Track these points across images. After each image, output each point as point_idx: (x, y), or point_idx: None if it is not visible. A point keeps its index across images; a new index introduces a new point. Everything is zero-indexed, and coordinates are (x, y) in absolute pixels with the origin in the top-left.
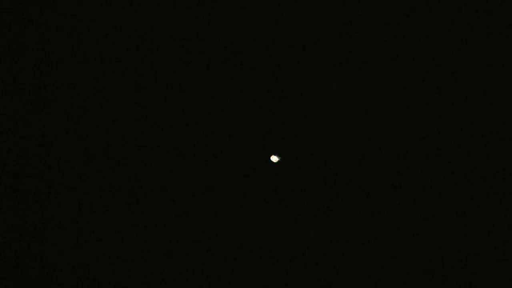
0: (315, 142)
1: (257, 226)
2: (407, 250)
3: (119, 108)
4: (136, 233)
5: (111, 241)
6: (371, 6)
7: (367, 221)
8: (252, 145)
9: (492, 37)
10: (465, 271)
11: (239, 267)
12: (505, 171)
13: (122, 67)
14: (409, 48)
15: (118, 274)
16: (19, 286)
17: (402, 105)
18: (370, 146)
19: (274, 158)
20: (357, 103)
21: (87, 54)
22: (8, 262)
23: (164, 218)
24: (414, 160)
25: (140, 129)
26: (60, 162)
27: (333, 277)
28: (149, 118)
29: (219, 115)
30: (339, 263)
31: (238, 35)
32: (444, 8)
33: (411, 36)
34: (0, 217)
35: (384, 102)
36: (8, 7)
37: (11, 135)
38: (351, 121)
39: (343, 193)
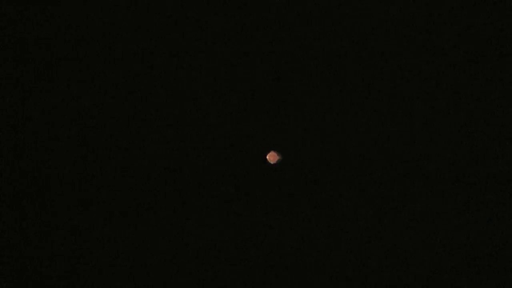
0: (314, 141)
1: (256, 227)
2: (408, 251)
3: (117, 107)
4: (132, 234)
5: (108, 243)
6: (371, 6)
7: (368, 222)
8: (250, 145)
9: (492, 37)
10: (465, 272)
11: (237, 270)
12: (505, 171)
13: (121, 66)
14: (410, 48)
15: (117, 274)
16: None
17: (404, 104)
18: (371, 146)
19: (272, 158)
20: (358, 103)
21: (88, 54)
22: (8, 263)
23: (160, 219)
24: (416, 160)
25: (137, 129)
26: (60, 162)
27: (333, 278)
28: (146, 118)
29: (217, 115)
30: (340, 265)
31: (235, 34)
32: (443, 8)
33: (411, 36)
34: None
35: (386, 102)
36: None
37: (11, 135)
38: (351, 121)
39: (342, 194)
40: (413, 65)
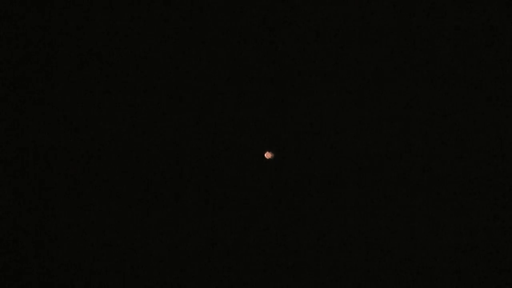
0: (312, 140)
1: (254, 226)
2: (407, 251)
3: (117, 107)
4: (131, 234)
5: (108, 243)
6: (371, 8)
7: (365, 221)
8: (248, 143)
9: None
10: (463, 272)
11: (235, 268)
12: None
13: (121, 66)
14: (408, 48)
15: (116, 274)
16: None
17: (396, 103)
18: (368, 145)
19: (269, 155)
20: (355, 102)
21: (88, 54)
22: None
23: (158, 218)
24: (413, 160)
25: (134, 129)
26: (60, 163)
27: (330, 277)
28: (144, 117)
29: (215, 114)
30: (337, 264)
31: (234, 33)
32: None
33: (410, 36)
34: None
35: (384, 101)
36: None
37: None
38: (348, 119)
39: (340, 192)
40: (407, 63)
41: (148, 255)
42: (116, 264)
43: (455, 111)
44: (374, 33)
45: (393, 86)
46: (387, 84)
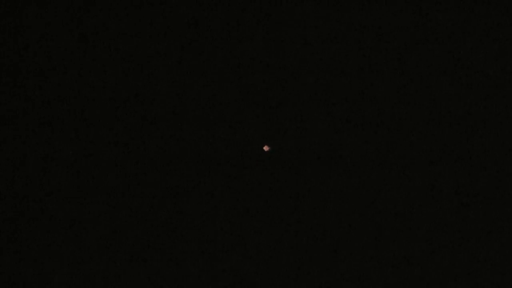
0: (309, 133)
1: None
2: (405, 248)
3: (117, 105)
4: (133, 222)
5: (110, 241)
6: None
7: (364, 218)
8: (246, 136)
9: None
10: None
11: (235, 262)
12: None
13: (125, 63)
14: (406, 49)
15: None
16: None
17: (386, 100)
18: (364, 141)
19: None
20: (354, 97)
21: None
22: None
23: (159, 213)
24: (411, 156)
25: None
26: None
27: (329, 273)
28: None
29: (214, 109)
30: (335, 261)
31: (234, 34)
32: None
33: (409, 38)
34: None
35: (382, 99)
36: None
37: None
38: (347, 114)
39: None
40: (407, 61)
41: (148, 253)
42: (116, 264)
43: (454, 110)
44: (373, 32)
45: (392, 84)
46: (386, 82)
